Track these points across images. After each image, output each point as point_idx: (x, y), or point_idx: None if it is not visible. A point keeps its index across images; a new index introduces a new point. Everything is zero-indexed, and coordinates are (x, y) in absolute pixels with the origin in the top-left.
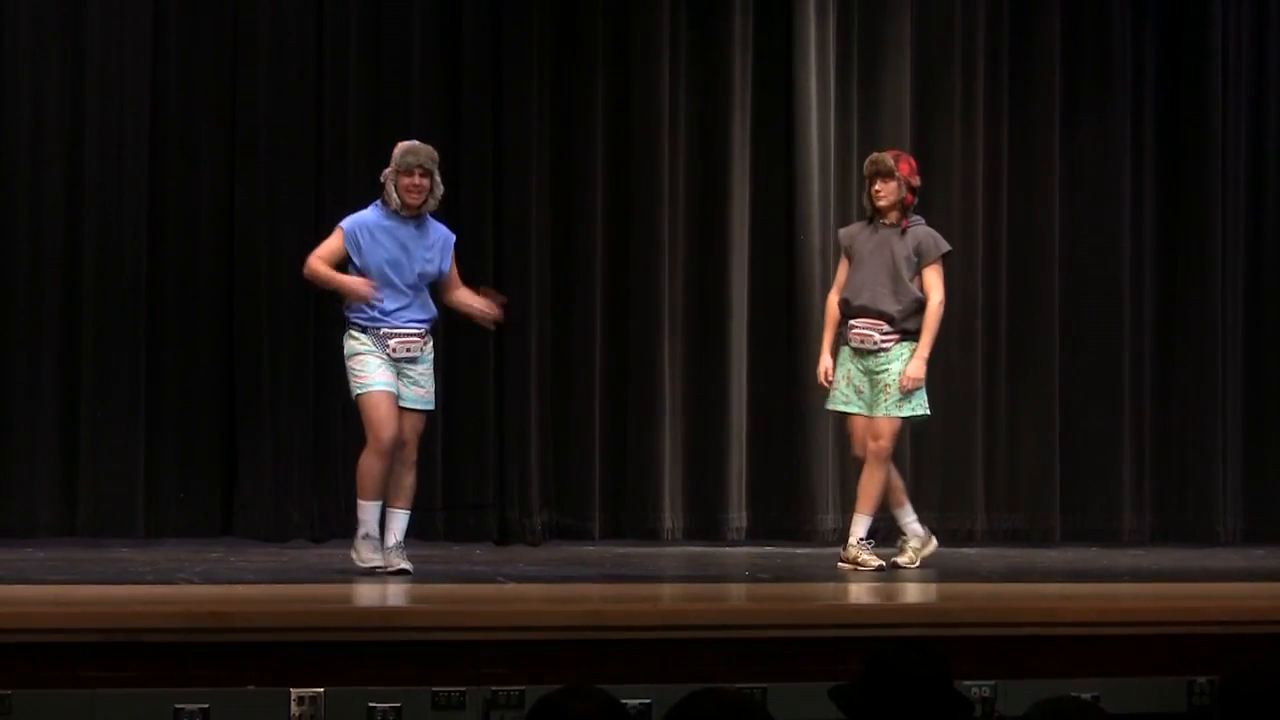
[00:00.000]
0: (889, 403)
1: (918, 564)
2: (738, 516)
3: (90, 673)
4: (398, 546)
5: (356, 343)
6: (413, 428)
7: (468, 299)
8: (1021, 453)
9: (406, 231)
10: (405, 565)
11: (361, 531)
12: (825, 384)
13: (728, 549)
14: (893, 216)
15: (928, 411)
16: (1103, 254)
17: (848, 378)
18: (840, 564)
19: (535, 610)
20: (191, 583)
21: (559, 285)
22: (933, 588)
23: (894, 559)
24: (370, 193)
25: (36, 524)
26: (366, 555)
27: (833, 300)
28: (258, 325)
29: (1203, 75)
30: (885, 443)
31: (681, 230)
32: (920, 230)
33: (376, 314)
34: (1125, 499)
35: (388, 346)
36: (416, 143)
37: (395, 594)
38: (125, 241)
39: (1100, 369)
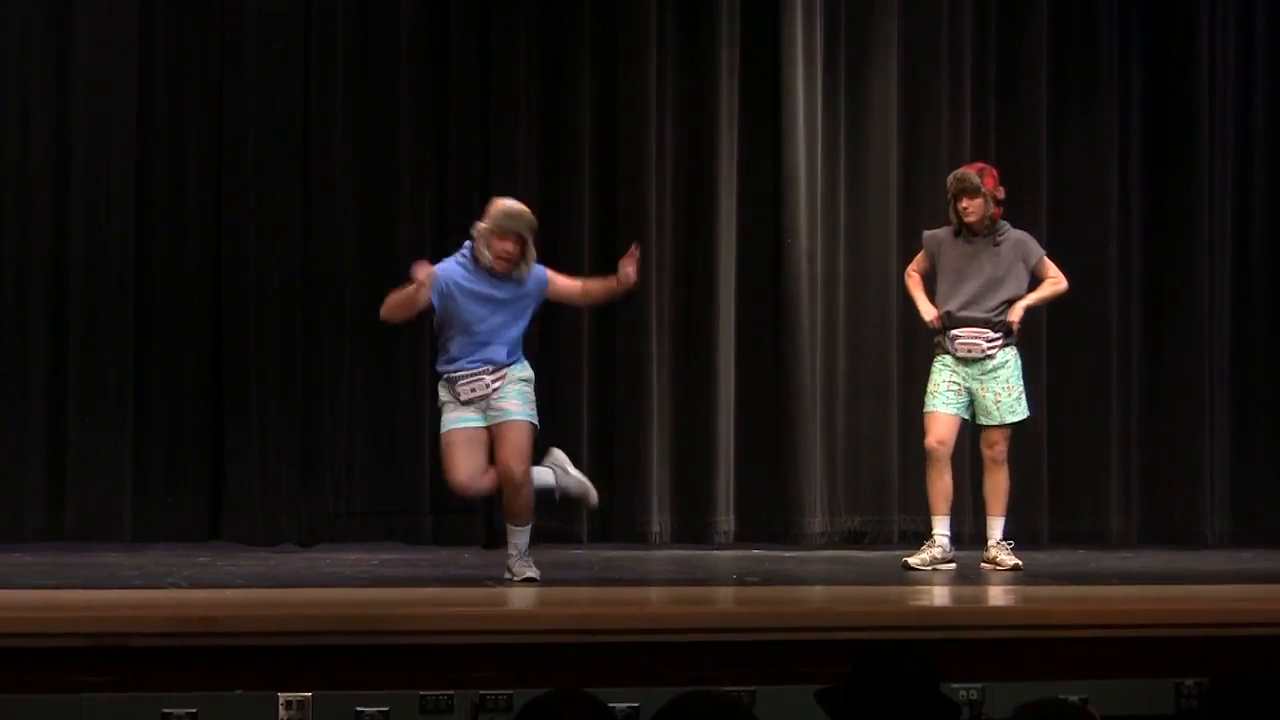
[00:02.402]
0: (1002, 410)
1: (930, 568)
2: (725, 520)
3: (78, 677)
4: (520, 556)
5: (442, 391)
6: (508, 443)
7: (598, 288)
8: (1009, 455)
9: (494, 285)
10: (531, 573)
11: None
12: (937, 324)
13: (715, 552)
14: (982, 230)
15: (1030, 412)
16: (1090, 256)
17: (949, 381)
18: (981, 564)
19: (523, 614)
20: (179, 587)
21: None
22: (921, 590)
23: (908, 559)
24: (360, 194)
25: (24, 528)
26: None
27: (912, 273)
28: (245, 330)
29: (1189, 78)
30: (1001, 447)
31: (668, 232)
32: (1014, 235)
33: (447, 361)
34: (1113, 501)
35: (456, 392)
36: (519, 207)
37: (383, 598)
38: (112, 246)
39: (1087, 370)
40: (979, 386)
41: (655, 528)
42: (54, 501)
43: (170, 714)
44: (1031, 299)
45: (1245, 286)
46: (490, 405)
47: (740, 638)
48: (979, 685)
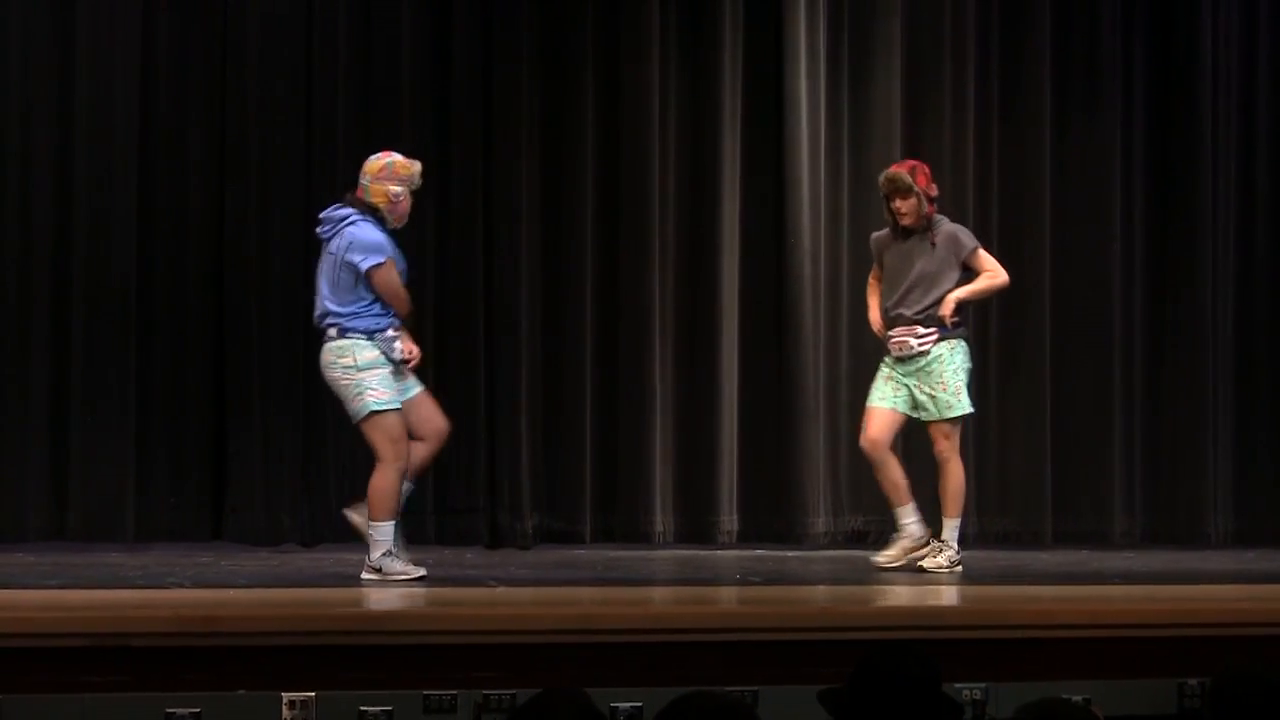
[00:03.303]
0: (938, 405)
1: (901, 562)
2: (728, 519)
3: (81, 677)
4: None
5: (369, 353)
6: (432, 403)
7: None
8: (1012, 455)
9: (397, 245)
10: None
11: (385, 550)
12: (880, 332)
13: (718, 552)
14: (918, 229)
15: (971, 410)
16: (1093, 255)
17: (886, 378)
18: (918, 564)
19: (526, 614)
20: (182, 587)
21: (549, 288)
22: (923, 590)
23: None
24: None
25: (27, 528)
26: (402, 567)
27: (872, 281)
28: (248, 329)
29: (1193, 76)
30: (944, 444)
31: (671, 232)
32: (946, 230)
33: (380, 315)
34: (1116, 501)
35: (394, 349)
36: (419, 163)
37: (386, 598)
38: (115, 245)
39: (1090, 371)
40: (915, 384)
41: (658, 528)
42: (57, 501)
43: (173, 714)
44: (962, 293)
45: (1248, 287)
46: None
47: (743, 638)
48: (982, 685)
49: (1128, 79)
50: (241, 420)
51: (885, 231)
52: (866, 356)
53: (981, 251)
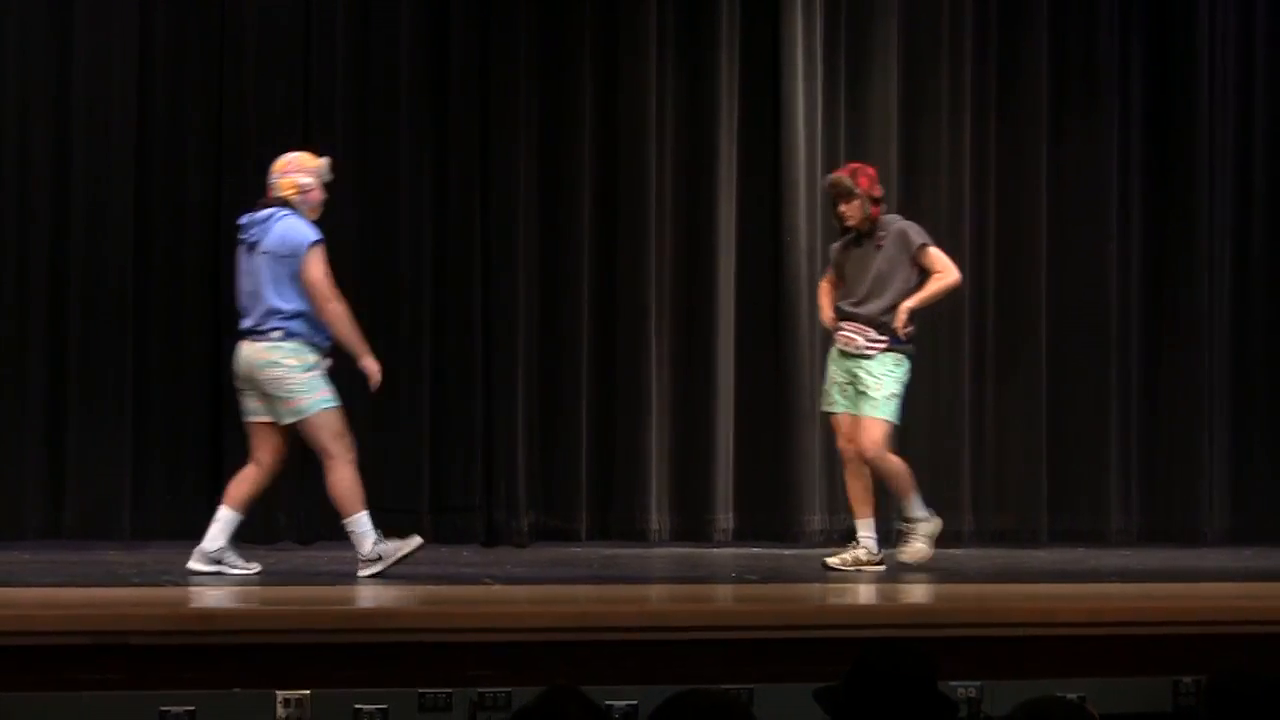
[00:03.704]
0: (862, 401)
1: (854, 568)
2: (725, 518)
3: (77, 675)
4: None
5: (309, 355)
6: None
7: None
8: (1009, 453)
9: None
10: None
11: (375, 539)
12: (830, 324)
13: (715, 550)
14: (865, 230)
15: (896, 421)
16: (1090, 255)
17: (833, 379)
18: (825, 560)
19: (522, 612)
20: (178, 585)
21: (546, 287)
22: (920, 588)
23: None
24: (359, 192)
25: (24, 526)
26: (394, 547)
27: (822, 283)
28: None
29: (1190, 77)
30: (862, 443)
31: (669, 230)
32: (895, 229)
33: (319, 328)
34: (1112, 500)
35: (324, 365)
36: (326, 157)
37: (382, 596)
38: (112, 243)
39: (1087, 370)
40: (850, 379)
41: (654, 526)
42: (54, 499)
43: (168, 712)
44: (913, 301)
45: (1244, 286)
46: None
47: (739, 636)
48: (977, 683)
49: (1124, 79)
50: (237, 419)
51: (841, 241)
52: None
53: (932, 249)
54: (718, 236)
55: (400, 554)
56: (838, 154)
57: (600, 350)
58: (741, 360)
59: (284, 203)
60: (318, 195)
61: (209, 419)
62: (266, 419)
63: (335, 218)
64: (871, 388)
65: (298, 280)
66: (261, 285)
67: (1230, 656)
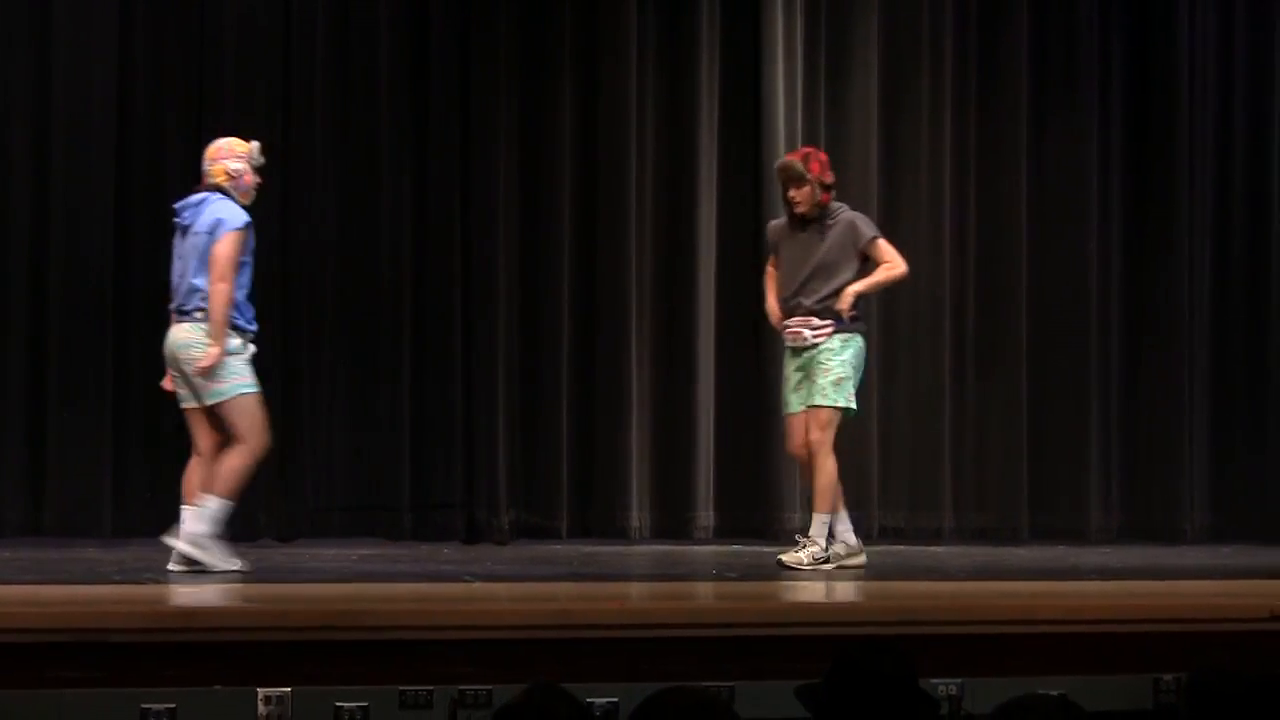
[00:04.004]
0: (813, 392)
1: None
2: (705, 515)
3: (57, 673)
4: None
5: (234, 338)
6: None
7: None
8: (989, 451)
9: None
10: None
11: (216, 531)
12: (775, 322)
13: (695, 547)
14: (813, 216)
15: (853, 406)
16: (1070, 252)
17: (787, 379)
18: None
19: (503, 609)
20: (159, 582)
21: (526, 285)
22: (900, 586)
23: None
24: (340, 192)
25: (3, 524)
26: (229, 557)
27: (769, 270)
28: None
29: (1170, 72)
30: (815, 435)
31: (649, 229)
32: (845, 219)
33: (247, 317)
34: (1092, 497)
35: (248, 350)
36: (256, 141)
37: (362, 593)
38: (93, 240)
39: (1067, 367)
40: (805, 374)
41: (635, 523)
42: (33, 496)
43: (149, 710)
44: (860, 285)
45: (1224, 285)
46: None
47: (720, 633)
48: (958, 681)
49: (1105, 77)
50: None
51: (782, 221)
52: None
53: (881, 241)
54: (698, 236)
55: (222, 566)
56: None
57: (581, 348)
58: (722, 359)
59: (217, 188)
60: (249, 179)
61: None
62: (195, 404)
63: (316, 217)
64: (820, 374)
65: None
66: (189, 266)
67: (1210, 654)
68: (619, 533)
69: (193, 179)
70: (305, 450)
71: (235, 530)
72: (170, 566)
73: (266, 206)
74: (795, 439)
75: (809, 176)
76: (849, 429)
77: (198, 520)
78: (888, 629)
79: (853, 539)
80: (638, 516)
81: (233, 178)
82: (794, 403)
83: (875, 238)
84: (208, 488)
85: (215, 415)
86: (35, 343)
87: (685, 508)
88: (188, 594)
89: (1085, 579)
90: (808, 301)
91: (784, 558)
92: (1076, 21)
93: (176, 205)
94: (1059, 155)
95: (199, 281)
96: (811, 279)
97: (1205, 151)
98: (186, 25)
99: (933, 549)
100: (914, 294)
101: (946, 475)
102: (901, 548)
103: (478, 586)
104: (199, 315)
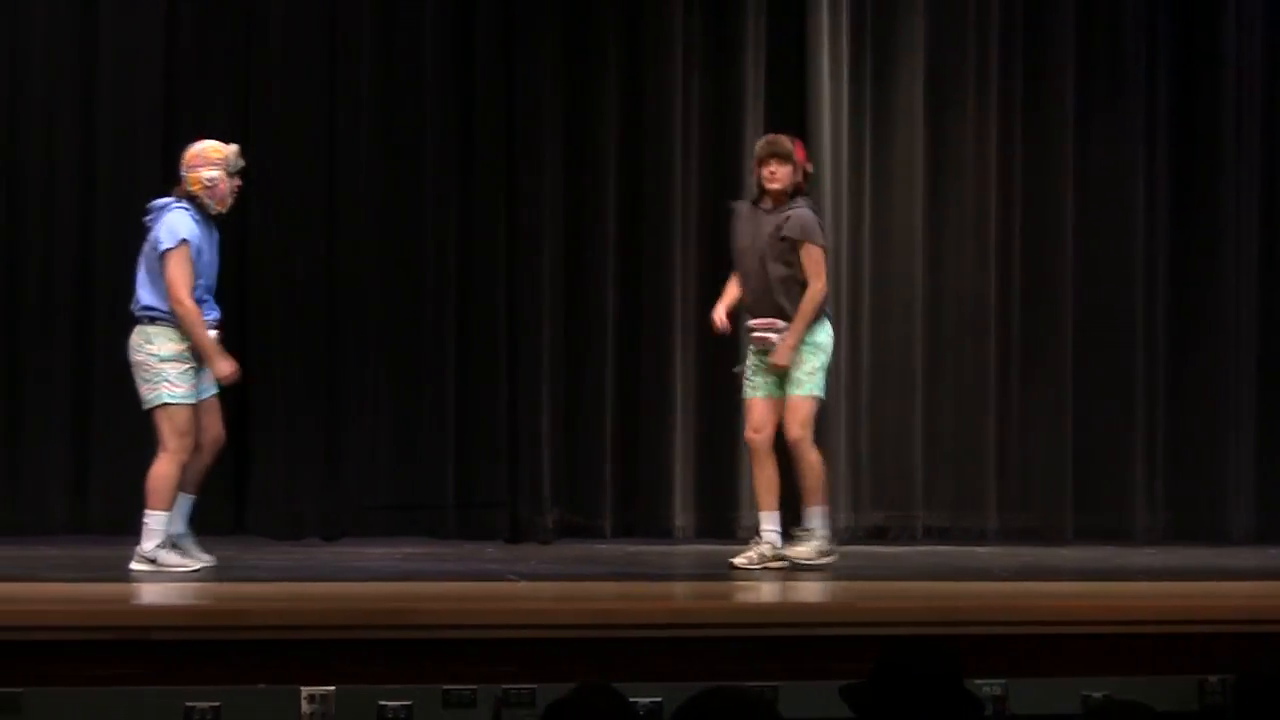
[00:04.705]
0: (788, 382)
1: (759, 566)
2: (749, 514)
3: (101, 670)
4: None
5: (174, 345)
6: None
7: None
8: (1034, 451)
9: (212, 232)
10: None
11: (161, 541)
12: (718, 324)
13: (739, 547)
14: (779, 200)
15: (821, 394)
16: (1115, 252)
17: (753, 364)
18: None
19: (546, 608)
20: (203, 580)
21: (571, 283)
22: (945, 586)
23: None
24: (385, 192)
25: (49, 521)
26: (178, 559)
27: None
28: (270, 325)
29: (1216, 73)
30: (790, 430)
31: (694, 228)
32: (796, 212)
33: (208, 309)
34: (1138, 497)
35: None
36: (235, 145)
37: (406, 592)
38: (136, 244)
39: (1113, 366)
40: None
41: (679, 523)
42: (79, 494)
43: (193, 708)
44: (792, 338)
45: (1271, 283)
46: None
47: (764, 633)
48: (1002, 681)
49: (1151, 75)
50: (264, 414)
51: (745, 202)
52: (887, 351)
53: (814, 250)
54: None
55: (176, 568)
56: (863, 155)
57: (625, 348)
58: None
59: (191, 196)
60: (224, 187)
61: (235, 414)
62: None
63: (360, 216)
64: (793, 366)
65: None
66: (140, 272)
67: (1256, 656)
68: (663, 532)
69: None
70: (350, 449)
71: (280, 530)
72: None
73: (313, 204)
74: (754, 421)
75: (795, 159)
76: (896, 430)
77: (144, 537)
78: (932, 629)
79: (779, 540)
80: (681, 516)
81: (208, 187)
82: (758, 385)
83: (810, 244)
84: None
85: (212, 408)
86: (81, 340)
87: (729, 507)
88: (232, 592)
89: (1130, 580)
90: (765, 304)
91: (788, 552)
92: (1122, 22)
93: (147, 205)
94: (1104, 156)
95: (143, 291)
96: (764, 277)
97: (1252, 149)
98: (232, 26)
99: (977, 549)
100: (958, 295)
101: (991, 476)
102: (946, 548)
103: (522, 586)
104: (144, 319)
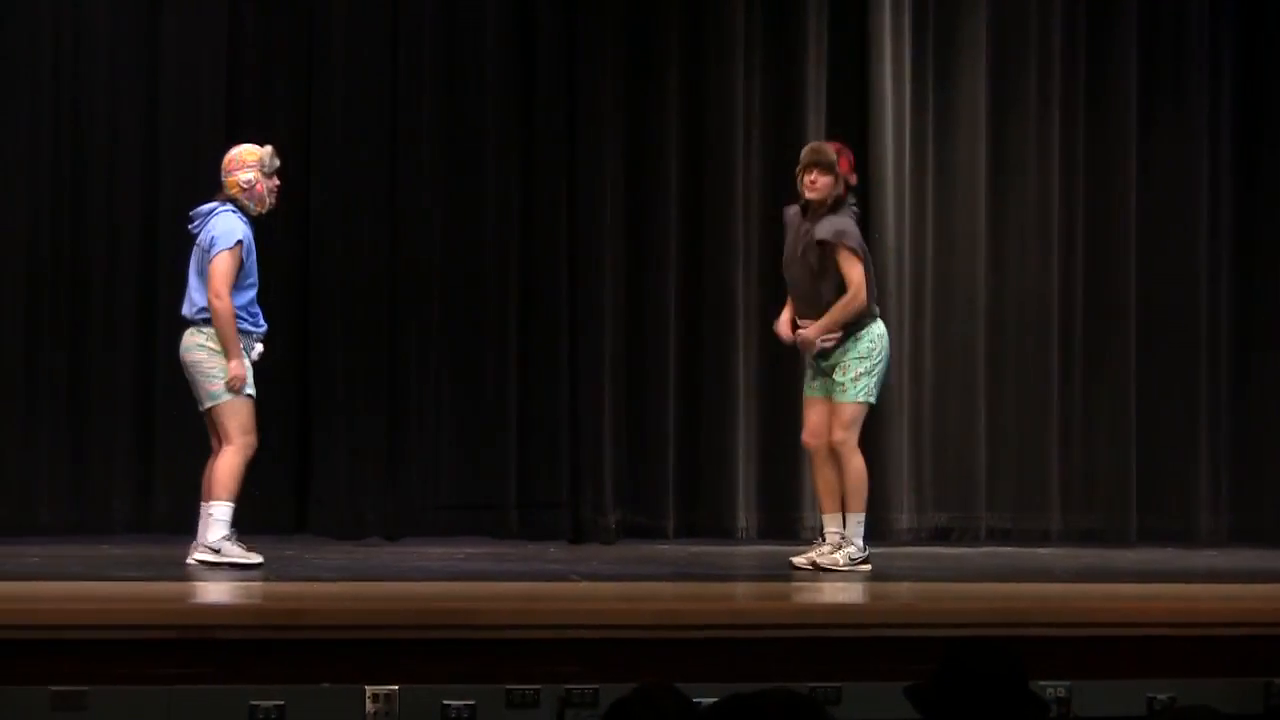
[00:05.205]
0: (833, 388)
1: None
2: (812, 515)
3: (166, 669)
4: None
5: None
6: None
7: None
8: (1097, 452)
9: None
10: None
11: (227, 533)
12: (783, 338)
13: (801, 547)
14: (819, 209)
15: (872, 400)
16: (1179, 252)
17: (809, 364)
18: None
19: (609, 609)
20: (267, 580)
21: (632, 284)
22: (1009, 588)
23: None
24: (447, 191)
25: (113, 521)
26: (240, 550)
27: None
28: (332, 325)
29: None
30: (838, 435)
31: (755, 229)
32: (831, 216)
33: (254, 319)
34: (1202, 498)
35: (253, 350)
36: (269, 146)
37: (469, 592)
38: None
39: (1176, 367)
40: (824, 369)
41: (741, 523)
42: (143, 494)
43: (258, 706)
44: (820, 325)
45: None
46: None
47: (826, 634)
48: (1066, 683)
49: (1215, 74)
50: (326, 414)
51: (794, 208)
52: (950, 353)
53: (846, 254)
54: None
55: (238, 560)
56: (925, 155)
57: (687, 348)
58: None
59: (232, 199)
60: (262, 188)
61: (298, 414)
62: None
63: (421, 216)
64: (838, 373)
65: None
66: (192, 277)
67: None
68: (725, 533)
69: (299, 177)
70: (413, 449)
71: (342, 530)
72: (189, 560)
73: (375, 206)
74: (810, 425)
75: (838, 169)
76: (959, 432)
77: (208, 527)
78: (996, 630)
79: (860, 542)
80: (744, 516)
81: (245, 189)
82: (815, 388)
83: (842, 248)
84: (211, 494)
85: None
86: (146, 340)
87: (792, 507)
88: (295, 592)
89: (1194, 581)
90: (812, 309)
91: (819, 560)
92: (1186, 20)
93: (191, 213)
94: (1168, 155)
95: (198, 294)
96: (809, 283)
97: None
98: (294, 28)
99: (1040, 551)
100: (1021, 295)
101: (1054, 477)
102: (1009, 549)
103: (584, 586)
104: (200, 322)
